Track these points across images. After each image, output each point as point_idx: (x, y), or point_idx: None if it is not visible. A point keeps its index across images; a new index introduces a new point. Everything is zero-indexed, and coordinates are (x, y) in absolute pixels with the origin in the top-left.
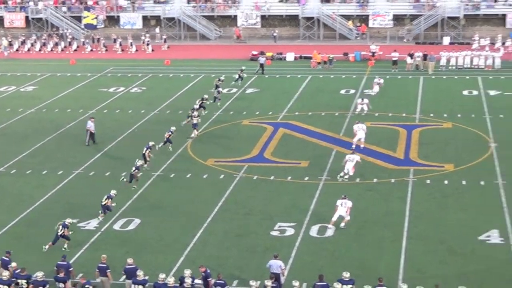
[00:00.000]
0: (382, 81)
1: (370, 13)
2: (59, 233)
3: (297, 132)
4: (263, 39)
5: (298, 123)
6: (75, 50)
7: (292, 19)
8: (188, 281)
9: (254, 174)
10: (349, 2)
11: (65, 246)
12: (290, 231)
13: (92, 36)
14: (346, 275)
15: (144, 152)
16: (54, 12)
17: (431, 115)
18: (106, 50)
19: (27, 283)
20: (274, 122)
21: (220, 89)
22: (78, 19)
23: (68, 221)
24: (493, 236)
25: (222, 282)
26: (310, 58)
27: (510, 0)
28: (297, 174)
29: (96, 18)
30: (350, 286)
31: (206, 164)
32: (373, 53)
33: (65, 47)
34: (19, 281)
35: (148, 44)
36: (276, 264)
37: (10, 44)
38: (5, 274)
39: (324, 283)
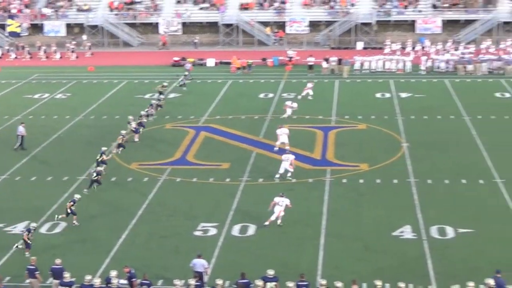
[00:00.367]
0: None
1: (287, 19)
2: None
3: (218, 135)
4: (184, 46)
5: (219, 126)
6: (0, 57)
7: (212, 26)
8: (114, 281)
9: (177, 176)
10: (266, 9)
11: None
12: (212, 231)
13: (16, 44)
14: (271, 272)
15: (98, 158)
16: None
17: (346, 117)
18: (31, 58)
19: None
20: (196, 125)
21: (162, 96)
22: (2, 27)
23: (33, 225)
24: (406, 232)
25: (148, 282)
26: (229, 63)
27: (419, 7)
28: (218, 175)
29: (20, 26)
30: (274, 283)
31: (130, 168)
32: (290, 58)
33: None
34: None
35: (72, 51)
36: (199, 263)
37: None
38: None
39: (246, 281)
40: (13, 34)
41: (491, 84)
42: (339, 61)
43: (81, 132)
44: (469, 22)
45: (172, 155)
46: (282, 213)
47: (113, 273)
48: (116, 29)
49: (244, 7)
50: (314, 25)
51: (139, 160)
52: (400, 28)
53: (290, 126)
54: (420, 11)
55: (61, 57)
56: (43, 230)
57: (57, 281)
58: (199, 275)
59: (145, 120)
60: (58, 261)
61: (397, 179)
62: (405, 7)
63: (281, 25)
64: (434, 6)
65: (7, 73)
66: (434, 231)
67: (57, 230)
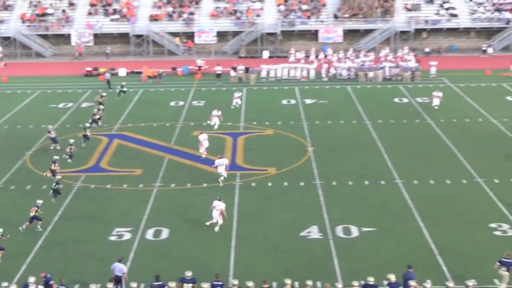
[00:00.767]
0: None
1: (195, 30)
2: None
3: (131, 142)
4: (97, 56)
5: (132, 134)
6: None
7: (123, 37)
8: (32, 287)
9: (92, 183)
10: (175, 20)
11: None
12: (127, 236)
13: None
14: (188, 274)
15: (50, 167)
16: None
17: (254, 123)
18: None
19: None
20: (109, 133)
21: (102, 106)
22: None
23: None
24: (313, 232)
25: (64, 287)
26: (140, 73)
27: (321, 17)
28: (132, 181)
29: None
30: (191, 285)
31: (45, 175)
32: (200, 67)
33: None
34: None
35: None
36: (118, 267)
37: None
38: None
39: (161, 283)
40: None
41: (390, 90)
42: (246, 70)
43: None
44: (368, 31)
45: (86, 163)
46: (220, 220)
47: (31, 279)
48: (29, 40)
49: (153, 18)
50: (222, 35)
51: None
52: (303, 38)
53: (201, 133)
54: (322, 21)
55: None
56: None
57: None
58: (117, 279)
59: (87, 133)
60: None
61: (303, 182)
62: (308, 17)
63: (190, 36)
64: (336, 16)
65: None
66: (339, 230)
67: None
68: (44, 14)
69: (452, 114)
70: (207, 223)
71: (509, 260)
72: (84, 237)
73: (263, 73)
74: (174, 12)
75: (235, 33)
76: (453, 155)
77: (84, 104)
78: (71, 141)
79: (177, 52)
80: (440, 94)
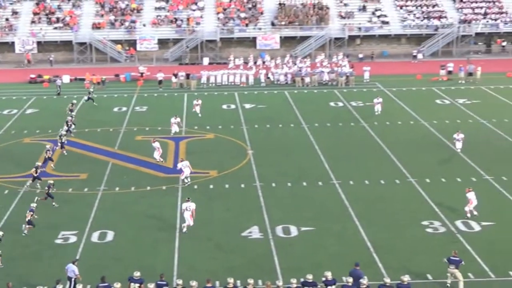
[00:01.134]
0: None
1: (137, 37)
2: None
3: (76, 147)
4: (40, 64)
5: (76, 139)
6: None
7: (67, 45)
8: None
9: (37, 188)
10: (118, 28)
11: None
12: (73, 239)
13: None
14: (137, 274)
15: (32, 172)
16: None
17: (196, 127)
18: None
19: None
20: (54, 139)
21: (73, 113)
22: None
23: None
24: (254, 232)
25: None
26: (84, 79)
27: (259, 25)
28: (77, 186)
29: None
30: (138, 285)
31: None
32: (142, 73)
33: None
34: None
35: None
36: (70, 269)
37: None
38: None
39: (106, 284)
40: None
41: (326, 94)
42: (187, 76)
43: None
44: (304, 38)
45: (32, 168)
46: (192, 223)
47: None
48: None
49: (96, 27)
50: (163, 43)
51: None
52: (242, 45)
53: (143, 137)
54: (260, 28)
55: None
56: None
57: None
58: (69, 280)
59: (64, 140)
60: None
61: (244, 184)
62: (246, 25)
63: (132, 43)
64: (273, 24)
65: None
66: (279, 230)
67: None
68: None
69: (385, 117)
70: (184, 229)
71: (457, 258)
72: (30, 240)
73: (203, 79)
74: (116, 20)
75: (176, 41)
76: (386, 156)
77: (29, 111)
78: (48, 146)
79: (120, 59)
80: (380, 100)
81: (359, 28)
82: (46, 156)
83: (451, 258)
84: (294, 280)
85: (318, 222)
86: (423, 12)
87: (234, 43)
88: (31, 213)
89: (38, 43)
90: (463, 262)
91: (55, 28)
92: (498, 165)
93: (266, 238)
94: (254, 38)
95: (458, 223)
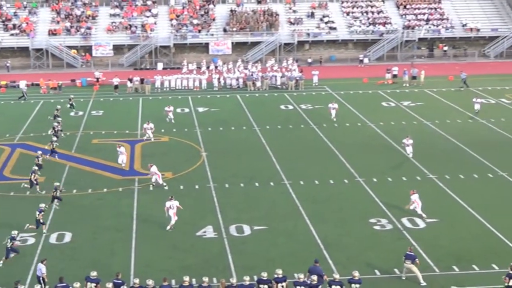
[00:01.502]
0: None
1: (93, 43)
2: (8, 246)
3: (33, 151)
4: None
5: (34, 143)
6: None
7: (23, 51)
8: None
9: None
10: (73, 35)
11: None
12: (31, 240)
13: None
14: (93, 273)
15: (30, 177)
16: None
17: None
18: None
19: None
20: (11, 143)
21: (60, 119)
22: None
23: (14, 232)
24: (208, 232)
25: None
26: (38, 85)
27: (211, 31)
28: (34, 189)
29: None
30: (95, 284)
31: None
32: (98, 78)
33: None
34: None
35: None
36: (38, 268)
37: None
38: None
39: (64, 284)
40: None
41: (276, 98)
42: (142, 81)
43: None
44: (255, 44)
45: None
46: (175, 218)
47: None
48: None
49: (52, 33)
50: (118, 49)
51: None
52: (195, 50)
53: (100, 141)
54: (212, 34)
55: None
56: None
57: None
58: (38, 279)
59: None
60: None
61: (198, 185)
62: (199, 31)
63: (87, 49)
64: (225, 30)
65: None
66: (232, 229)
67: None
68: None
69: (328, 116)
70: (168, 227)
71: (413, 254)
72: None
73: (157, 84)
74: (72, 27)
75: (131, 46)
76: (335, 157)
77: None
78: (39, 152)
79: (76, 65)
80: (336, 105)
81: (308, 34)
82: (36, 162)
83: (407, 253)
84: (247, 278)
85: (270, 221)
86: (368, 18)
87: (187, 48)
88: (41, 213)
89: None
90: (417, 260)
91: (12, 34)
92: (441, 164)
93: (220, 237)
94: (207, 44)
95: (404, 220)
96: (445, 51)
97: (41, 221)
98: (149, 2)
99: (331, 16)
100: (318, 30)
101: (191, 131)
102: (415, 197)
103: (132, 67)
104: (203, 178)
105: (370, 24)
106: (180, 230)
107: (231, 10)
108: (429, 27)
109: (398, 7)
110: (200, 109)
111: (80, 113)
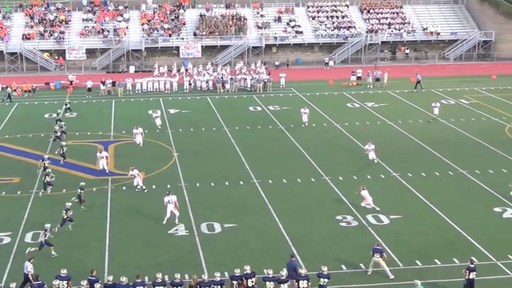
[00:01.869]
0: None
1: (66, 47)
2: (42, 240)
3: (8, 152)
4: None
5: (9, 144)
6: None
7: None
8: None
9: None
10: (47, 39)
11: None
12: (7, 240)
13: None
14: (63, 271)
15: (44, 180)
16: None
17: (123, 132)
18: None
19: None
20: None
21: (63, 123)
22: None
23: (47, 226)
24: (180, 230)
25: None
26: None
27: (181, 35)
28: (10, 189)
29: None
30: (66, 281)
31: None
32: (71, 81)
33: None
34: None
35: None
36: (25, 265)
37: None
38: None
39: (40, 282)
40: None
41: (245, 99)
42: (114, 83)
43: None
44: (224, 47)
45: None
46: (177, 212)
47: None
48: None
49: (26, 37)
50: (91, 52)
51: None
52: (166, 54)
53: (74, 142)
54: (182, 38)
55: None
56: None
57: None
58: (24, 276)
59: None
60: None
61: (170, 184)
62: (170, 35)
63: (61, 53)
64: (195, 34)
65: None
66: (203, 227)
67: None
68: None
69: (300, 120)
70: (164, 222)
71: (380, 248)
72: None
73: (129, 86)
74: (45, 31)
75: (103, 50)
76: (302, 157)
77: None
78: (46, 156)
79: (50, 68)
80: (307, 110)
81: (275, 38)
82: (42, 164)
83: (375, 247)
84: (218, 274)
85: (240, 218)
86: (333, 22)
87: (159, 52)
88: (68, 212)
89: None
90: (384, 254)
91: None
92: (404, 163)
93: (192, 235)
94: (177, 48)
95: (369, 217)
96: (407, 54)
97: (68, 219)
98: (120, 7)
99: (297, 20)
100: (285, 34)
101: (162, 132)
102: (365, 193)
103: (104, 70)
104: (175, 177)
105: (335, 28)
106: (153, 228)
107: (201, 15)
108: (392, 31)
109: (362, 12)
110: (172, 111)
111: (54, 115)
